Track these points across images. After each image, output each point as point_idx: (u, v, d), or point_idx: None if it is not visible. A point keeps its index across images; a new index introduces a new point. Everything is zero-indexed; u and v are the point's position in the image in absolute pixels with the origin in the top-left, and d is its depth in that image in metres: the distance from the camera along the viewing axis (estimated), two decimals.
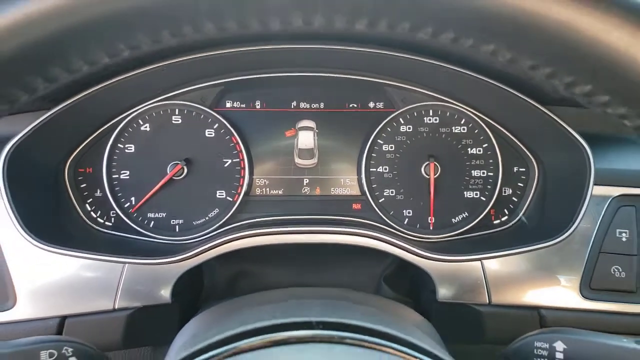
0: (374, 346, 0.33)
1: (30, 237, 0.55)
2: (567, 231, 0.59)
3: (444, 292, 0.62)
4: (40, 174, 0.63)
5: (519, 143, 0.73)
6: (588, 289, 0.61)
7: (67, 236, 0.61)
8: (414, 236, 0.71)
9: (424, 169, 0.73)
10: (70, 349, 0.43)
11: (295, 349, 0.32)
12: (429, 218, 0.73)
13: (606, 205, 0.61)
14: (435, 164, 0.72)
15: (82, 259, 0.58)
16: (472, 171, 0.73)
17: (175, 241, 0.70)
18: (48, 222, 0.61)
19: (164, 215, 0.71)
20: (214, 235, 0.67)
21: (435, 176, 0.72)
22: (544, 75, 0.25)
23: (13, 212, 0.54)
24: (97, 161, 0.70)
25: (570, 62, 0.24)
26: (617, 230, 0.60)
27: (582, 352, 0.43)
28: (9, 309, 0.56)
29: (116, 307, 0.58)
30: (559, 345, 0.44)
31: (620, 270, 0.60)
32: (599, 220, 0.61)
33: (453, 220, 0.73)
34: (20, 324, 0.55)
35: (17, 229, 0.55)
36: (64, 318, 0.57)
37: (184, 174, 0.71)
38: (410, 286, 0.76)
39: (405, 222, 0.73)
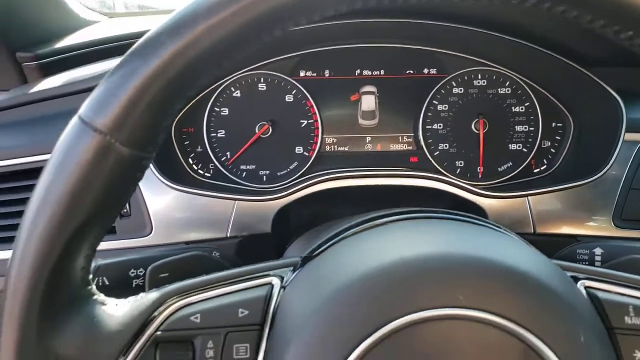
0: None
1: (164, 178, 0.70)
2: (601, 171, 0.71)
3: None
4: None
5: (556, 101, 0.84)
6: (619, 219, 0.72)
7: (183, 182, 0.75)
8: (466, 183, 0.82)
9: (474, 125, 0.85)
10: (217, 253, 0.57)
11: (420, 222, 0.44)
12: (478, 168, 0.85)
13: (636, 149, 0.72)
14: (484, 121, 0.84)
15: (203, 197, 0.72)
16: (516, 126, 0.85)
17: (264, 189, 0.83)
18: (171, 170, 0.75)
19: (254, 167, 0.85)
20: (295, 182, 0.80)
21: (484, 131, 0.84)
22: (597, 27, 0.35)
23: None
24: (198, 122, 0.83)
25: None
26: None
27: (617, 253, 0.54)
28: (147, 235, 0.70)
29: (228, 235, 0.72)
30: (598, 250, 0.56)
31: None
32: (630, 162, 0.72)
33: (499, 169, 0.85)
34: (157, 247, 0.69)
35: (154, 172, 0.69)
36: (187, 243, 0.71)
37: (269, 132, 0.84)
38: None
39: (457, 172, 0.85)
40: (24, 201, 0.72)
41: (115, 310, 0.38)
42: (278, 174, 0.85)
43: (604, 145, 0.73)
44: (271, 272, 0.42)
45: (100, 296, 0.39)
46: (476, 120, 0.84)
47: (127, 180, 0.36)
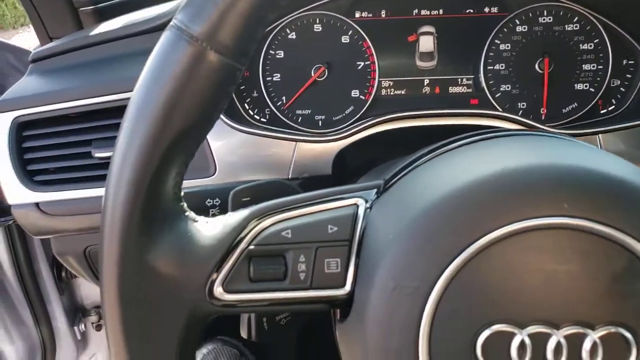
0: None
1: (227, 119, 0.70)
2: None
3: None
4: None
5: (628, 36, 0.79)
6: None
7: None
8: (531, 121, 0.79)
9: (538, 65, 0.81)
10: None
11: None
12: (542, 109, 0.82)
13: None
14: (549, 60, 0.80)
15: (264, 139, 0.72)
16: (583, 65, 0.81)
17: (321, 133, 0.83)
18: (229, 114, 0.75)
19: (310, 112, 0.84)
20: (353, 125, 0.79)
21: (549, 71, 0.81)
22: None
23: None
24: (253, 66, 0.82)
25: None
26: None
27: None
28: (211, 176, 0.71)
29: (290, 177, 0.72)
30: None
31: None
32: None
33: (563, 110, 0.82)
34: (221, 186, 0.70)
35: None
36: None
37: (325, 75, 0.83)
38: None
39: (520, 114, 0.83)
40: (89, 143, 0.74)
41: (207, 227, 0.39)
42: (334, 118, 0.84)
43: None
44: (356, 194, 0.42)
45: (191, 213, 0.39)
46: (540, 59, 0.81)
47: (221, 91, 0.35)
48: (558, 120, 0.82)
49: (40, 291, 1.27)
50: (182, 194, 0.39)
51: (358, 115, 0.84)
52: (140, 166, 0.34)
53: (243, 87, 0.83)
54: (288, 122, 0.83)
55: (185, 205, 0.39)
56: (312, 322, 0.79)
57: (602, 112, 0.82)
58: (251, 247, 0.38)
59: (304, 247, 0.38)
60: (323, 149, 0.74)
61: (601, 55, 0.80)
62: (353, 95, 0.84)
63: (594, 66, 0.81)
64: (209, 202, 0.52)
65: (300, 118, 0.84)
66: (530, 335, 0.33)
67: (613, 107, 0.82)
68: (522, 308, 0.33)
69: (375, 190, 0.43)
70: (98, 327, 1.38)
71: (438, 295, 0.34)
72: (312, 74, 0.83)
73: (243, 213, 0.39)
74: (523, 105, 0.83)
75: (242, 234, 0.38)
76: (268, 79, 0.83)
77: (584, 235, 0.33)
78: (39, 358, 1.31)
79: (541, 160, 0.36)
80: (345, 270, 0.38)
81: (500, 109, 0.83)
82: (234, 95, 0.83)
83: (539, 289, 0.33)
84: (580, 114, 0.81)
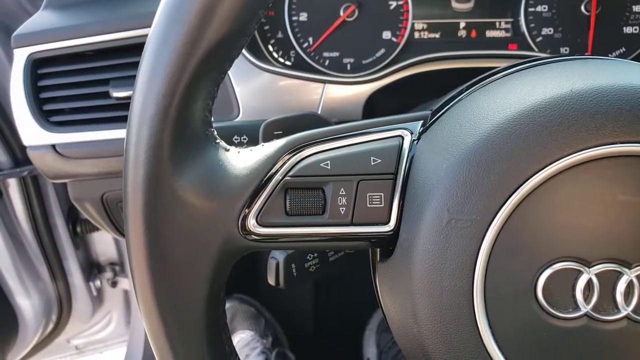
0: None
1: (251, 56, 0.66)
2: None
3: None
4: None
5: None
6: None
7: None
8: None
9: (584, 6, 0.75)
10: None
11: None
12: (586, 54, 0.77)
13: None
14: (596, 1, 0.74)
15: (290, 79, 0.68)
16: (633, 6, 0.75)
17: (350, 77, 0.78)
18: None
19: (338, 54, 0.79)
20: (384, 68, 0.74)
21: (596, 12, 0.75)
22: None
23: None
24: (278, 5, 0.78)
25: None
26: None
27: None
28: (235, 119, 0.67)
29: None
30: None
31: None
32: None
33: (610, 55, 0.76)
34: None
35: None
36: None
37: (355, 15, 0.78)
38: None
39: None
40: (107, 82, 0.70)
41: (239, 157, 0.36)
42: (363, 62, 0.79)
43: None
44: (400, 125, 0.38)
45: (222, 142, 0.36)
46: (587, 0, 0.75)
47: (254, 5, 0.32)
48: None
49: (56, 246, 1.27)
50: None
51: (390, 59, 0.79)
52: (172, 76, 0.30)
53: (267, 27, 0.79)
54: (315, 65, 0.79)
55: (215, 132, 0.36)
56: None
57: None
58: (287, 178, 0.35)
59: (344, 179, 0.35)
60: (353, 93, 0.70)
61: None
62: (384, 37, 0.79)
63: None
64: (236, 139, 0.49)
65: (327, 61, 0.79)
66: (598, 275, 0.30)
67: None
68: (589, 244, 0.30)
69: (421, 122, 0.39)
70: (113, 284, 1.39)
71: (497, 229, 0.30)
72: (341, 14, 0.77)
73: (278, 143, 0.36)
74: (566, 50, 0.77)
75: (278, 165, 0.35)
76: (294, 18, 0.78)
77: None
78: (55, 313, 1.32)
79: (611, 82, 0.32)
80: (390, 206, 0.35)
81: (540, 54, 0.77)
82: (257, 36, 0.78)
83: (609, 223, 0.30)
84: (628, 59, 0.76)
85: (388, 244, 0.36)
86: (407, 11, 0.78)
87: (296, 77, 0.68)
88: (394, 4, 0.78)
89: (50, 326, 1.33)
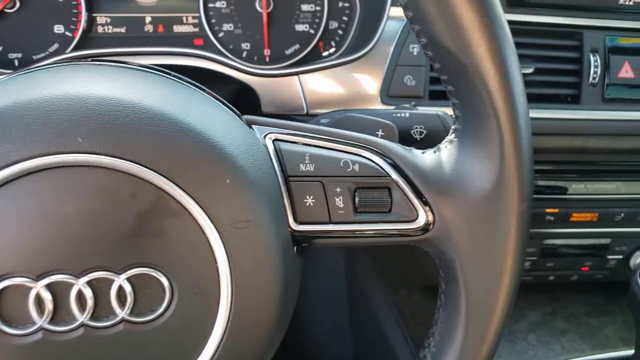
0: None
1: None
2: (366, 47, 0.70)
3: (266, 107, 0.72)
4: None
5: None
6: (386, 96, 0.73)
7: None
8: (253, 67, 0.77)
9: (259, 3, 0.79)
10: None
11: None
12: (265, 50, 0.81)
13: (402, 25, 0.72)
14: (267, 0, 0.79)
15: None
16: (301, 5, 0.81)
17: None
18: None
19: (1, 49, 0.72)
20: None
21: (268, 10, 0.79)
22: None
23: None
24: None
25: None
26: (410, 46, 0.72)
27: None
28: None
29: None
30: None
31: (412, 79, 0.72)
32: (396, 38, 0.72)
33: (286, 52, 0.82)
34: None
35: None
36: None
37: (17, 6, 0.72)
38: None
39: (244, 55, 0.81)
40: None
41: None
42: (34, 57, 0.74)
43: (372, 21, 0.72)
44: None
45: None
46: None
47: None
48: (282, 62, 0.81)
49: None
50: None
51: (66, 54, 0.75)
52: None
53: None
54: None
55: None
56: None
57: (324, 54, 0.84)
58: None
59: None
60: None
61: None
62: (57, 32, 0.75)
63: (312, 7, 0.81)
64: None
65: None
66: (48, 287, 0.30)
67: (334, 49, 0.83)
68: (36, 258, 0.30)
69: None
70: None
71: None
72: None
73: None
74: (247, 46, 0.81)
75: None
76: None
77: (106, 173, 0.30)
78: None
79: (56, 92, 0.32)
80: None
81: (223, 50, 0.79)
82: None
83: (54, 235, 0.30)
84: (302, 55, 0.82)
85: None
86: (80, 4, 0.74)
87: None
88: None
89: None
